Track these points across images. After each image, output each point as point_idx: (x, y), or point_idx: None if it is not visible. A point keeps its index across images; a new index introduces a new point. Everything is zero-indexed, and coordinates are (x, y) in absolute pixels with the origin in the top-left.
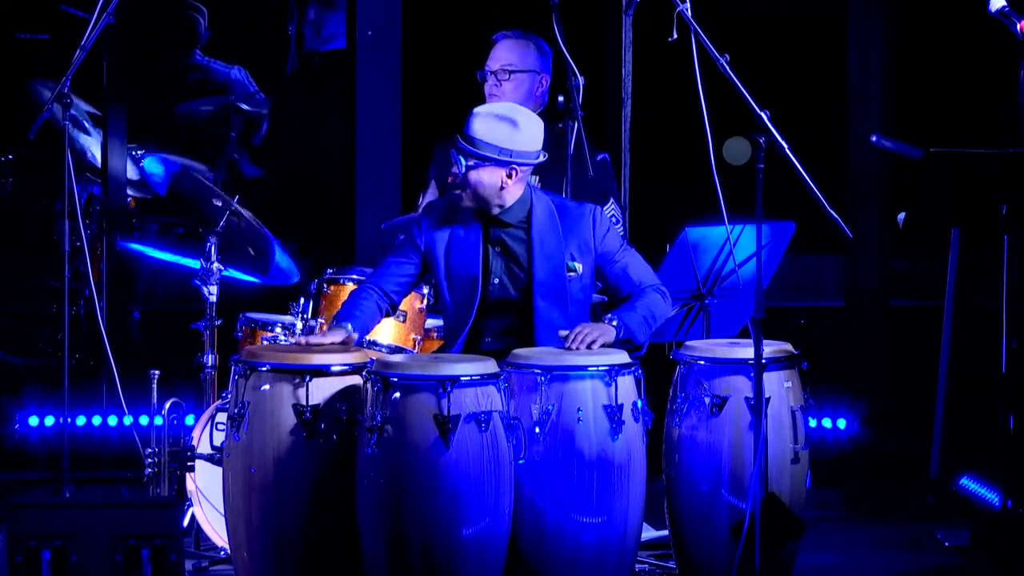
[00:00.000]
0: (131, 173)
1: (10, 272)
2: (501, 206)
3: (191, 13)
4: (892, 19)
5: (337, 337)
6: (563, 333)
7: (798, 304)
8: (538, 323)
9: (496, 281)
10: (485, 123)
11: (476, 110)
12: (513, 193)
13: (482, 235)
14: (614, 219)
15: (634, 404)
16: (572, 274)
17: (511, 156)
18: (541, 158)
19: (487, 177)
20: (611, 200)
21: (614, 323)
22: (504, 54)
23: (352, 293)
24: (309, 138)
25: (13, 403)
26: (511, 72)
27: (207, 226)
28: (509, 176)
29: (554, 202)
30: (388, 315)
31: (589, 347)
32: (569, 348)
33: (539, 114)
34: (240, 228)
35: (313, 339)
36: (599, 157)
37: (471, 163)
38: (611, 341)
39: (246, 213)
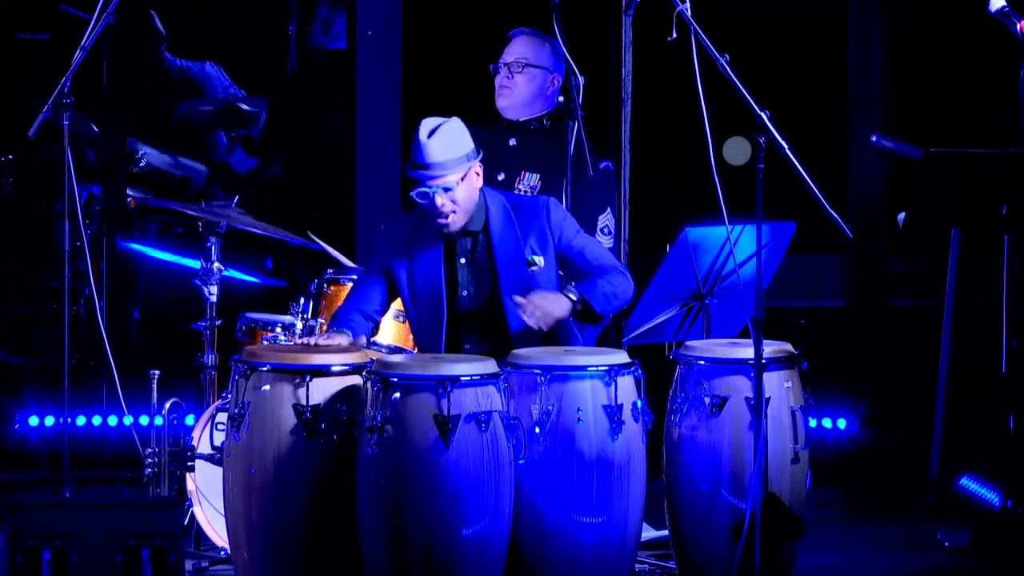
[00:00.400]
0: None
1: (10, 272)
2: (471, 213)
3: (144, 10)
4: (892, 19)
5: (343, 340)
6: (518, 299)
7: (798, 304)
8: (511, 324)
9: (464, 293)
10: (440, 143)
11: (420, 139)
12: (478, 192)
13: (443, 250)
14: (606, 230)
15: (634, 404)
16: (534, 268)
17: (477, 156)
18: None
19: (468, 186)
20: (607, 209)
21: (571, 294)
22: (520, 48)
23: (336, 312)
24: (309, 138)
25: (13, 403)
26: (525, 65)
27: (208, 226)
28: (478, 174)
29: (507, 200)
30: (373, 334)
31: (544, 324)
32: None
33: (546, 115)
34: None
35: (321, 340)
36: (602, 165)
37: (455, 184)
38: (565, 311)
39: (248, 220)
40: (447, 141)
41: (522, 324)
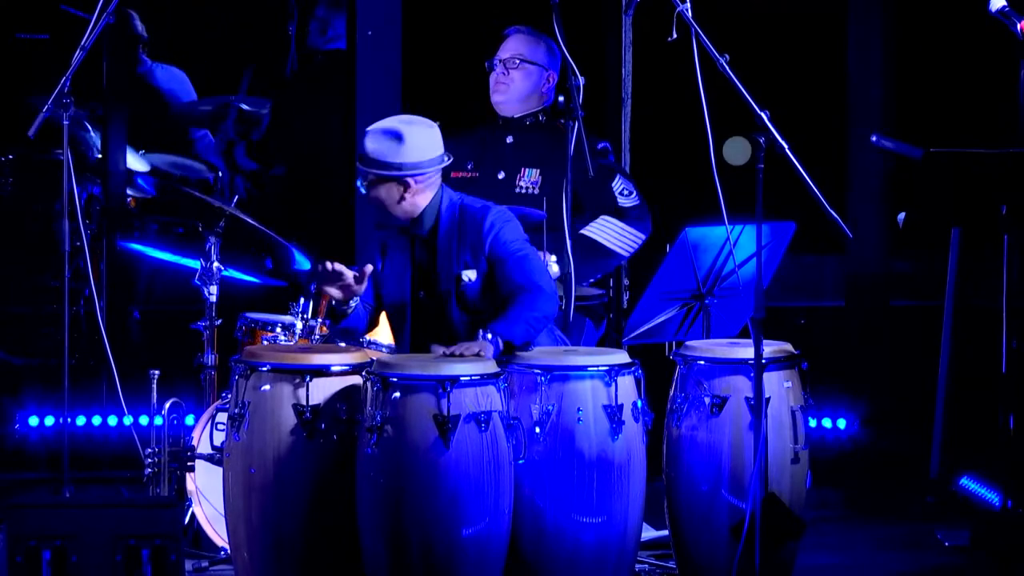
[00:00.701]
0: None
1: (10, 272)
2: (410, 217)
3: (124, 10)
4: (892, 19)
5: (350, 271)
6: (436, 349)
7: (798, 304)
8: (460, 331)
9: (421, 294)
10: (373, 140)
11: (368, 128)
12: (416, 203)
13: (409, 250)
14: (625, 191)
15: (634, 404)
16: (465, 281)
17: (400, 169)
18: (440, 164)
19: (384, 193)
20: (617, 176)
21: (489, 336)
22: (516, 45)
23: None
24: (309, 138)
25: (13, 403)
26: (520, 62)
27: (208, 226)
28: (405, 188)
29: (463, 204)
30: (373, 325)
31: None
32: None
33: (542, 111)
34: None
35: (338, 266)
36: (600, 145)
37: (369, 179)
38: (490, 352)
39: (248, 219)
40: (378, 145)
41: (471, 337)
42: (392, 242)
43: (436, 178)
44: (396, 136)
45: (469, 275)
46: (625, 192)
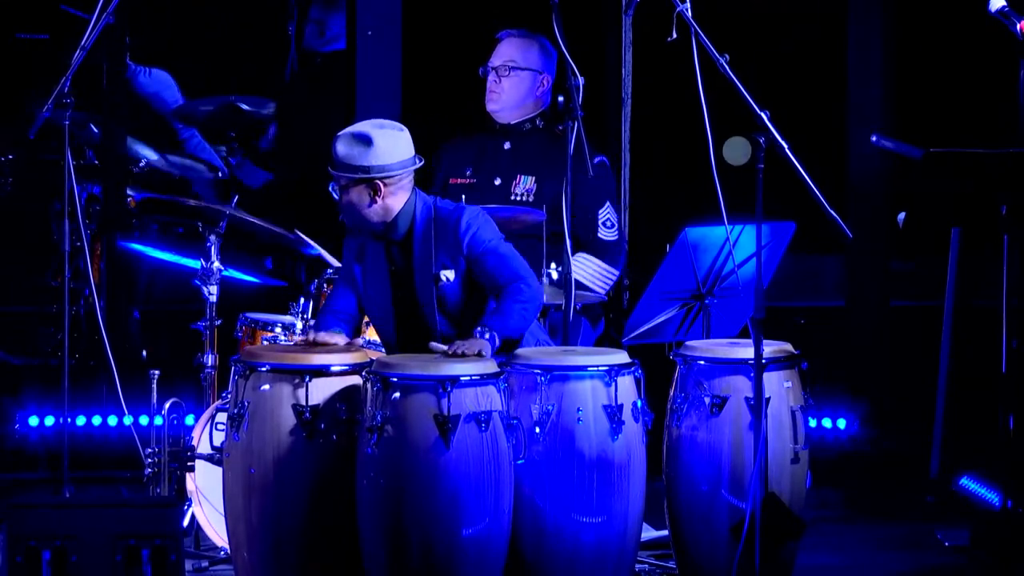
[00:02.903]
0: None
1: (10, 272)
2: (384, 222)
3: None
4: (892, 19)
5: (340, 339)
6: (436, 347)
7: (798, 304)
8: (443, 334)
9: (399, 295)
10: (343, 144)
11: (340, 132)
12: (389, 207)
13: (385, 255)
14: (608, 223)
15: (634, 404)
16: (443, 282)
17: (368, 172)
18: (410, 167)
19: (355, 197)
20: (607, 203)
21: (487, 336)
22: (508, 50)
23: (319, 317)
24: (309, 138)
25: (13, 403)
26: (512, 68)
27: (208, 226)
28: (375, 192)
29: (436, 207)
30: (356, 333)
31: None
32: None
33: (539, 115)
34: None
35: (320, 336)
36: (596, 159)
37: (341, 184)
38: (489, 350)
39: (249, 218)
40: (347, 148)
41: (449, 332)
42: (368, 248)
43: (408, 181)
44: (365, 139)
45: (448, 275)
46: (608, 224)
